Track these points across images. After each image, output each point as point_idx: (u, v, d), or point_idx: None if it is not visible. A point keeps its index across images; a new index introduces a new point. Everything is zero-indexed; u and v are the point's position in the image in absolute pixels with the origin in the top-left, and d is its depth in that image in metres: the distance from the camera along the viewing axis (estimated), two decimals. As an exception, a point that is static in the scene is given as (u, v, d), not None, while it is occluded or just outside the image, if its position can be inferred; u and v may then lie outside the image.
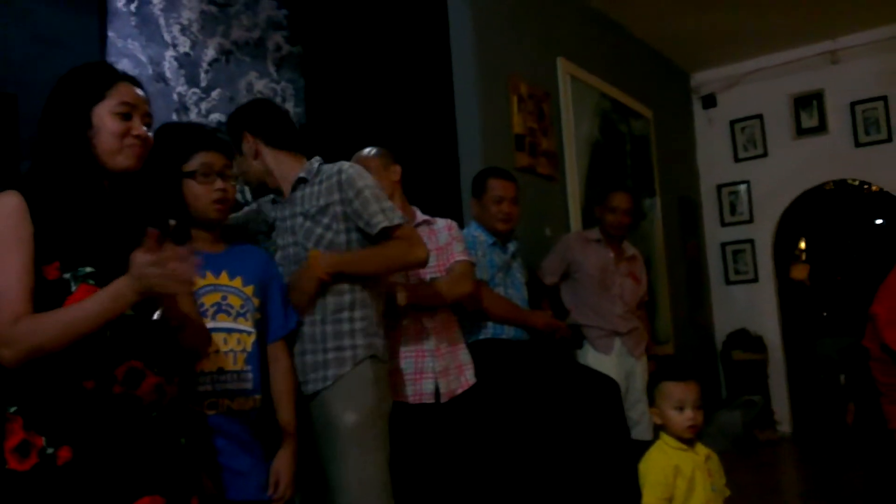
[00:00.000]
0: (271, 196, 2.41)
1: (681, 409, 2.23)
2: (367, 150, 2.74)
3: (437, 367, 2.53)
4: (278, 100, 3.20)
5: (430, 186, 3.46)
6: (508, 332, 3.02)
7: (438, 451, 2.50)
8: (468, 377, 2.64)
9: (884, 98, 5.83)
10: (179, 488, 1.56)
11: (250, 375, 2.01)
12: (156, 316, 1.58)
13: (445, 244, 2.70)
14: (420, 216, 2.71)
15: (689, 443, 2.25)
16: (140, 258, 1.43)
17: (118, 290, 1.45)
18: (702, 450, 2.28)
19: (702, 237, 6.55)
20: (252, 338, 2.04)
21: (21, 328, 1.44)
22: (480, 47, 3.92)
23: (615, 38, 5.43)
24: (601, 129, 5.00)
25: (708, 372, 6.27)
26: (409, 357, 2.50)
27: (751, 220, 6.40)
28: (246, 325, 2.03)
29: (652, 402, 2.31)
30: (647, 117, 5.69)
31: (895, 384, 2.05)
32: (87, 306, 1.46)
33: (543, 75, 4.45)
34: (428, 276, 2.61)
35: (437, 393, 2.52)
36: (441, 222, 2.74)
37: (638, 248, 4.09)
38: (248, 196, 3.05)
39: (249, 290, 2.06)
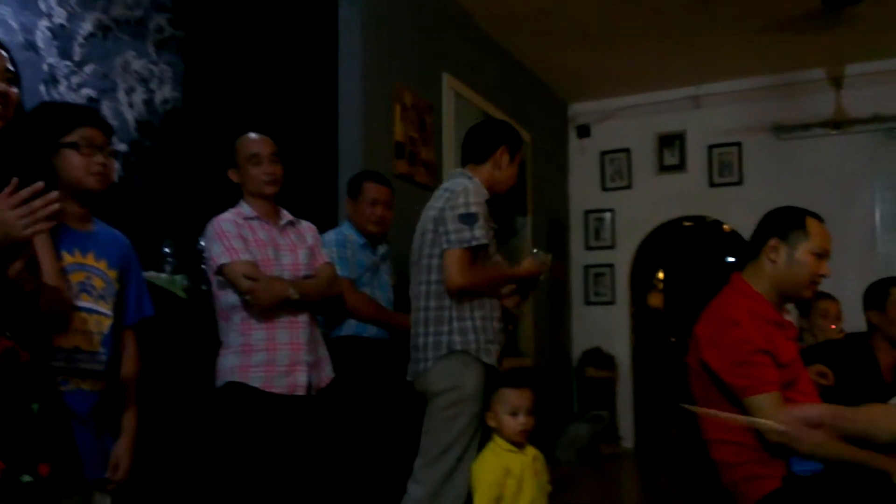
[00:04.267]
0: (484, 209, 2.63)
1: (515, 414, 2.36)
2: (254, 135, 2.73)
3: (310, 360, 2.57)
4: (155, 82, 3.15)
5: (307, 184, 3.49)
6: (371, 330, 3.08)
7: (311, 442, 2.54)
8: (328, 372, 2.70)
9: (738, 144, 6.34)
10: (25, 453, 1.54)
11: (103, 358, 2.04)
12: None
13: (312, 245, 2.75)
14: (286, 216, 2.73)
15: (520, 445, 2.39)
16: None
17: None
18: (530, 451, 2.42)
19: (568, 259, 6.88)
20: (109, 321, 2.08)
21: None
22: (368, 53, 4.00)
23: (500, 61, 5.65)
24: (480, 146, 5.17)
25: (562, 386, 6.57)
26: (284, 348, 2.52)
27: (612, 247, 6.79)
28: (105, 308, 2.07)
29: (488, 406, 2.43)
30: (525, 140, 5.93)
31: (710, 398, 2.26)
32: None
33: (428, 88, 4.58)
34: (302, 274, 2.64)
35: (308, 385, 2.56)
36: (304, 224, 2.78)
37: (509, 264, 4.25)
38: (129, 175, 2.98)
39: (113, 274, 2.10)
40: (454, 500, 2.47)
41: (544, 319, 6.18)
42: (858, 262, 5.20)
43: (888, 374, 2.80)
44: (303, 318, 2.59)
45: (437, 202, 2.68)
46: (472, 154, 2.82)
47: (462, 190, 2.58)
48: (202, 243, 2.66)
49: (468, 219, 2.51)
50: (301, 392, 2.53)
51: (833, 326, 3.74)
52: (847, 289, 3.66)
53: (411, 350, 2.70)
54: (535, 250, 2.93)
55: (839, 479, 2.06)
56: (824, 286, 2.76)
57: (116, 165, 2.98)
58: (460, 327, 2.54)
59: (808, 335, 3.73)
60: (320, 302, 2.68)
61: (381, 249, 3.26)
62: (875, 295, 2.86)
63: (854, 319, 3.25)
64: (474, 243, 2.53)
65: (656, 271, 8.11)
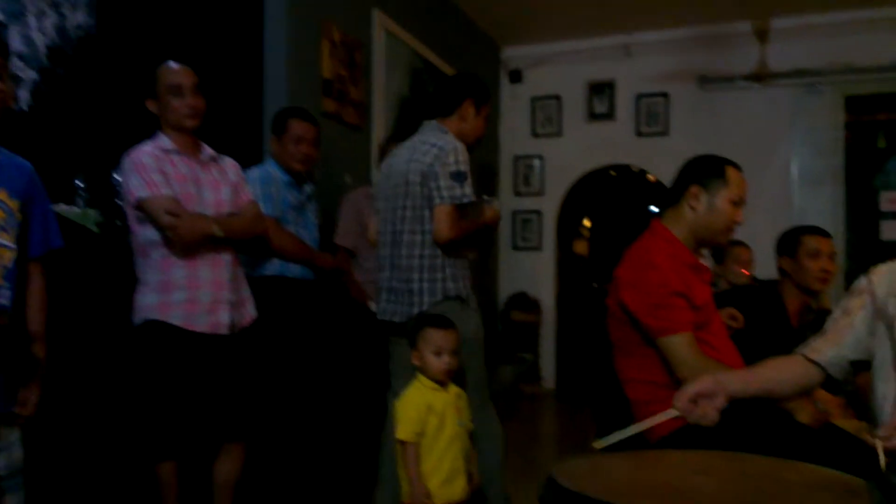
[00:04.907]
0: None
1: (439, 354, 2.40)
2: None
3: (233, 299, 2.55)
4: (67, 6, 2.97)
5: (230, 119, 3.39)
6: (295, 270, 3.05)
7: (231, 379, 2.54)
8: (251, 311, 2.68)
9: (665, 94, 6.42)
10: None
11: (6, 292, 1.96)
12: None
13: (236, 182, 2.69)
14: (208, 151, 2.65)
15: (443, 384, 2.44)
16: None
17: None
18: (453, 389, 2.48)
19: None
20: (12, 254, 1.99)
21: None
22: (296, -15, 3.85)
23: (433, 0, 5.54)
24: (411, 87, 5.11)
25: (488, 329, 6.66)
26: (206, 287, 2.49)
27: (541, 193, 6.85)
28: (7, 240, 1.98)
29: (414, 345, 2.46)
30: (457, 82, 5.86)
31: (626, 338, 2.34)
32: None
33: (358, 25, 4.46)
34: (225, 211, 2.59)
35: (231, 324, 2.54)
36: (227, 160, 2.72)
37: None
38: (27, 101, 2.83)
39: (14, 204, 2.00)
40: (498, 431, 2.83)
41: (471, 263, 6.22)
42: (773, 214, 5.40)
43: (795, 319, 2.93)
44: (225, 257, 2.56)
45: (423, 156, 2.74)
46: (440, 107, 2.92)
47: (452, 149, 2.72)
48: (117, 177, 2.56)
49: (459, 177, 2.70)
50: (223, 331, 2.51)
51: (745, 272, 3.89)
52: (761, 238, 3.80)
53: (399, 293, 2.79)
54: (485, 197, 3.00)
55: (744, 417, 2.17)
56: (739, 234, 2.86)
57: (25, 94, 2.83)
58: (452, 274, 2.77)
59: (721, 280, 3.87)
60: (244, 240, 2.63)
61: (307, 189, 3.21)
62: (787, 242, 2.97)
63: (766, 267, 3.38)
64: (465, 200, 2.72)
65: (582, 219, 8.25)
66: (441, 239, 2.72)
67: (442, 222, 2.70)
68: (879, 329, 1.89)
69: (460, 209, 2.74)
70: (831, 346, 1.89)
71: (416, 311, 2.74)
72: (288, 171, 3.11)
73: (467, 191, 2.72)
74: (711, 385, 1.67)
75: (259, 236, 2.71)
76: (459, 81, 3.00)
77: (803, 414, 2.18)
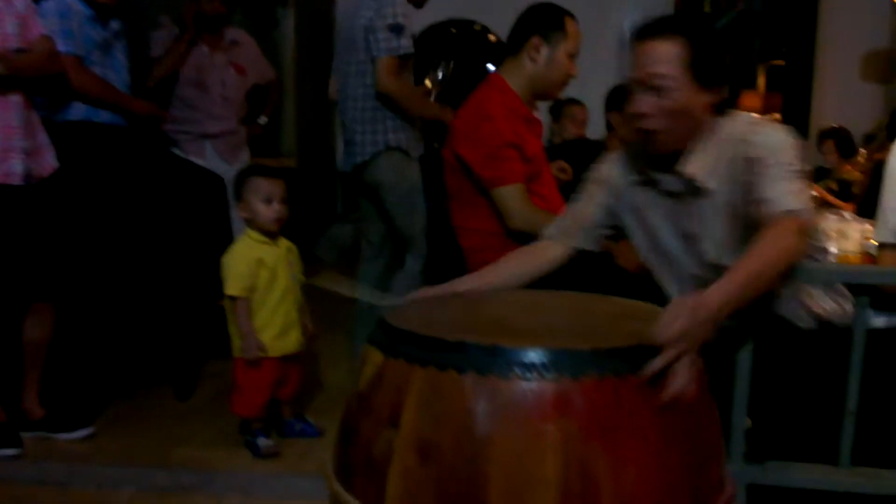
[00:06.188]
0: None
1: (269, 202, 2.32)
2: None
3: (27, 146, 2.34)
4: None
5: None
6: (104, 116, 2.78)
7: (31, 234, 2.37)
8: (51, 160, 2.47)
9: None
10: None
11: None
12: None
13: (24, 14, 2.40)
14: None
15: (273, 236, 2.37)
16: None
17: None
18: (283, 243, 2.42)
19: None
20: None
21: None
22: None
23: None
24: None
25: (326, 187, 6.55)
26: None
27: (382, 47, 6.59)
28: None
29: (240, 197, 2.35)
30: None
31: (460, 188, 2.35)
32: None
33: None
34: (12, 46, 2.31)
35: (27, 175, 2.34)
36: None
37: (267, 60, 3.91)
38: None
39: None
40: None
41: (308, 119, 6.00)
42: (604, 75, 5.51)
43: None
44: (15, 98, 2.32)
45: (365, 11, 2.79)
46: None
47: (391, 2, 2.77)
48: None
49: (396, 29, 2.75)
50: (16, 181, 2.31)
51: (580, 131, 4.01)
52: (592, 99, 3.88)
53: (346, 144, 2.98)
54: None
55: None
56: (572, 93, 2.91)
57: None
58: (394, 126, 2.86)
59: (557, 138, 3.97)
60: (36, 80, 2.39)
61: (114, 25, 2.87)
62: (618, 97, 3.03)
63: (599, 127, 3.49)
64: (402, 52, 2.77)
65: (425, 77, 8.12)
66: (381, 89, 2.79)
67: (381, 73, 2.76)
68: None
69: (402, 62, 2.81)
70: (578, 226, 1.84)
71: (358, 160, 2.87)
72: (90, 3, 2.75)
73: (404, 42, 2.77)
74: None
75: (55, 76, 2.46)
76: None
77: (623, 258, 2.30)
